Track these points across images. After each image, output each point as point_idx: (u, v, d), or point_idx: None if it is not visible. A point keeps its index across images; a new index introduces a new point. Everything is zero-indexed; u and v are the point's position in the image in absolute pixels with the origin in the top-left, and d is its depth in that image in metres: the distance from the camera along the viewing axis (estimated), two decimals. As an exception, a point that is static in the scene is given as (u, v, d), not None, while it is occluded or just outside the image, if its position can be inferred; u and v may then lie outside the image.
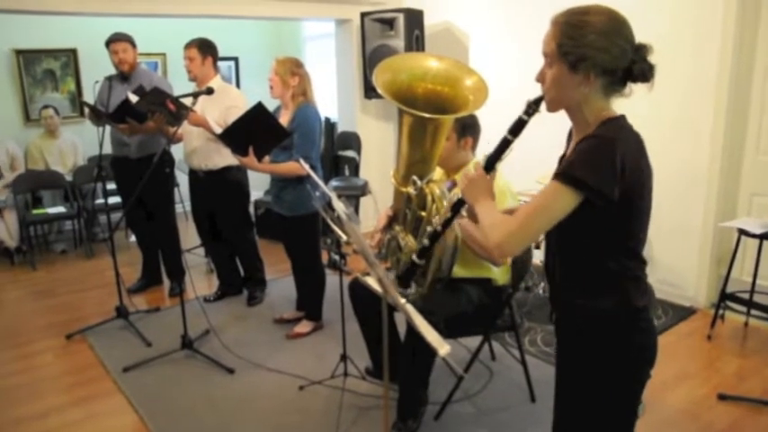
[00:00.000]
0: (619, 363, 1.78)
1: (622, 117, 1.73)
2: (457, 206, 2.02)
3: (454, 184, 3.07)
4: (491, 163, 1.87)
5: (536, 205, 1.67)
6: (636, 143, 1.69)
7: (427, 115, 2.21)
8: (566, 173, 1.62)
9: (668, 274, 4.74)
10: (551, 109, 1.76)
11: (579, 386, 1.88)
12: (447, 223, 2.06)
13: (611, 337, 1.77)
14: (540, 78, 1.76)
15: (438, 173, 3.04)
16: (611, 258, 1.73)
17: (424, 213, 2.44)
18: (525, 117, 1.77)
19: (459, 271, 3.05)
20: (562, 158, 1.86)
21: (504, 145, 1.83)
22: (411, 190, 2.44)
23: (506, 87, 4.26)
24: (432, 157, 2.42)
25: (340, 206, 2.17)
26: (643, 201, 1.72)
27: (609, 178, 1.59)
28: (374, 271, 2.07)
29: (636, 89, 1.71)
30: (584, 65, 1.64)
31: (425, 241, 2.08)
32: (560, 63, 1.68)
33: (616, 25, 1.64)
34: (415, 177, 2.41)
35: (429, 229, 2.09)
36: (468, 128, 3.04)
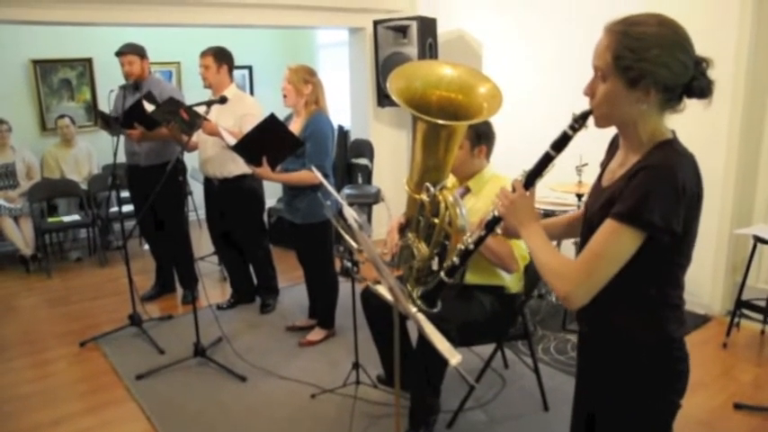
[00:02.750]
0: (649, 391, 1.70)
1: (676, 139, 1.63)
2: (492, 224, 1.91)
3: (467, 191, 3.07)
4: (531, 180, 1.77)
5: (600, 250, 1.56)
6: (693, 167, 1.58)
7: (441, 122, 2.19)
8: (630, 214, 1.51)
9: (690, 283, 4.68)
10: (601, 125, 1.65)
11: (604, 411, 1.79)
12: (480, 242, 1.96)
13: (642, 365, 1.69)
14: (590, 92, 1.64)
15: (451, 180, 3.02)
16: (653, 285, 1.65)
17: (437, 220, 2.42)
18: (570, 132, 1.66)
19: (471, 278, 3.03)
20: (605, 166, 1.78)
21: (546, 160, 1.73)
22: (424, 197, 2.43)
23: (520, 95, 4.25)
24: (445, 165, 2.41)
25: (351, 214, 2.16)
26: (694, 229, 1.62)
27: (675, 213, 1.50)
28: (385, 280, 2.06)
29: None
30: (644, 81, 1.53)
31: (455, 260, 2.03)
32: (617, 78, 1.55)
33: (679, 39, 1.53)
34: (428, 184, 2.39)
35: (460, 247, 2.03)
36: (483, 136, 3.03)
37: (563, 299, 1.61)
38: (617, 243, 1.54)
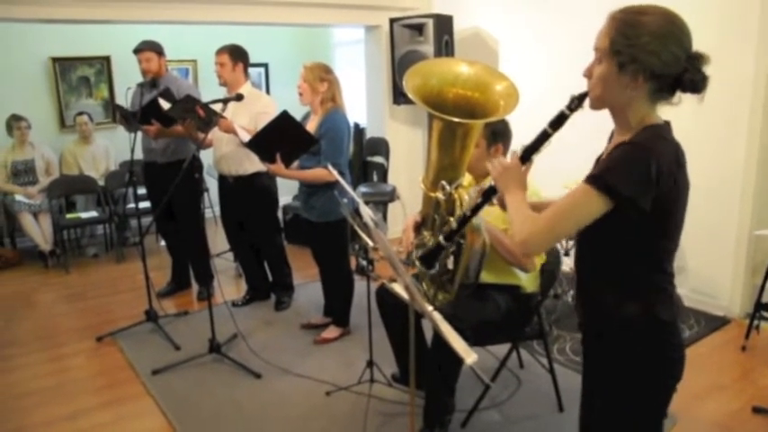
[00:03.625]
0: (642, 374, 1.74)
1: (664, 125, 1.68)
2: (488, 193, 1.98)
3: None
4: (528, 154, 1.83)
5: (564, 206, 1.63)
6: (674, 154, 1.63)
7: (457, 120, 2.18)
8: (598, 178, 1.58)
9: (701, 282, 4.64)
10: (595, 106, 1.72)
11: (602, 396, 1.84)
12: (476, 209, 2.03)
13: (634, 347, 1.73)
14: (588, 74, 1.71)
15: (467, 179, 3.00)
16: (637, 266, 1.70)
17: (452, 219, 2.41)
18: (567, 111, 1.73)
19: (486, 277, 3.01)
20: (599, 159, 1.82)
21: (543, 137, 1.79)
22: (440, 195, 2.42)
23: (536, 93, 4.21)
24: (461, 163, 2.40)
25: (367, 212, 2.16)
26: (675, 214, 1.68)
27: (641, 188, 1.55)
28: (401, 278, 2.05)
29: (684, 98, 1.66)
30: (632, 66, 1.60)
31: (453, 224, 2.05)
32: (610, 61, 1.63)
33: (672, 29, 1.59)
34: (444, 182, 2.39)
35: (459, 214, 2.07)
36: (499, 134, 3.00)
37: (519, 244, 1.68)
38: (580, 203, 1.61)
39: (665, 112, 1.71)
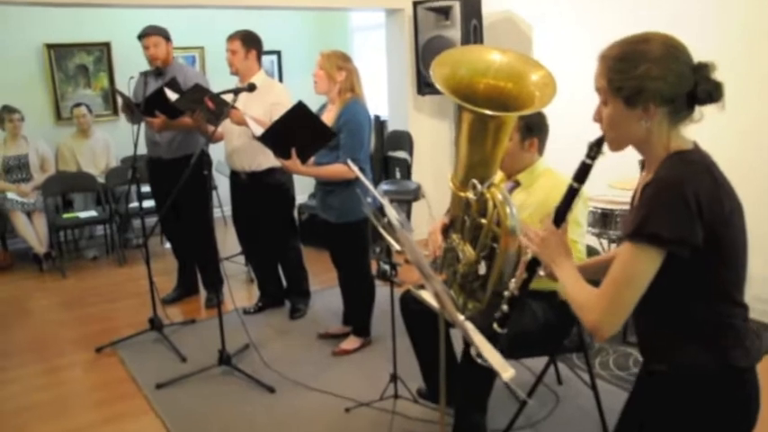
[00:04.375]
0: (708, 427, 1.71)
1: (691, 150, 1.68)
2: (532, 266, 2.00)
3: (516, 186, 3.05)
4: (561, 216, 1.88)
5: (619, 276, 1.63)
6: (707, 176, 1.62)
7: (489, 112, 2.19)
8: (638, 232, 1.59)
9: (764, 289, 4.57)
10: (614, 148, 1.76)
11: None
12: (525, 285, 2.04)
13: (702, 397, 1.69)
14: (597, 117, 1.76)
15: (498, 175, 3.00)
16: (700, 303, 1.67)
17: (484, 220, 2.41)
18: (588, 161, 1.79)
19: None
20: (634, 195, 1.83)
21: (572, 194, 1.85)
22: (470, 195, 2.42)
23: (575, 83, 4.17)
24: (493, 160, 2.40)
25: (393, 213, 2.16)
26: (731, 237, 1.65)
27: (686, 225, 1.55)
28: (430, 284, 2.05)
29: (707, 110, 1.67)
30: (641, 97, 1.62)
31: (505, 308, 2.07)
32: (614, 100, 1.67)
33: (669, 50, 1.62)
34: (474, 181, 2.39)
35: (506, 294, 2.08)
36: (535, 127, 2.99)
37: (591, 330, 1.69)
38: (633, 265, 1.61)
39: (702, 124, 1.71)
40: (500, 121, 2.26)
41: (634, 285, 1.61)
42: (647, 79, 1.60)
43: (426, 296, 2.47)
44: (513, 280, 2.09)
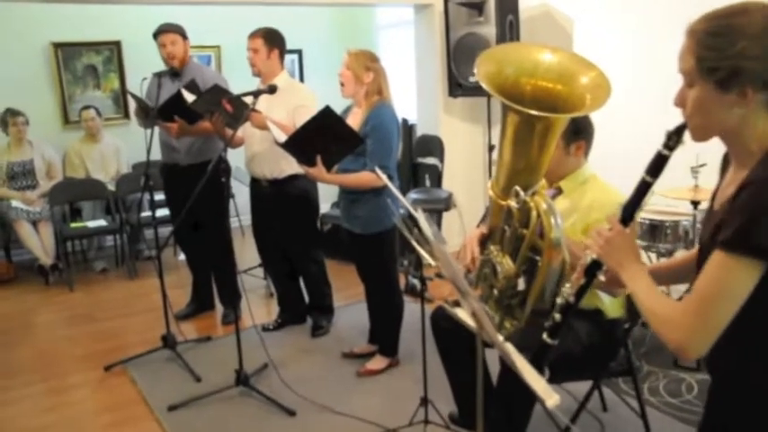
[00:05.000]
0: None
1: None
2: (591, 270, 1.92)
3: (558, 193, 3.03)
4: (629, 213, 1.78)
5: (708, 291, 1.52)
6: None
7: (537, 113, 2.17)
8: (738, 242, 1.47)
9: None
10: (698, 138, 1.63)
11: None
12: (582, 292, 1.98)
13: None
14: (680, 102, 1.63)
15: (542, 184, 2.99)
16: None
17: (525, 231, 2.40)
18: (666, 152, 1.67)
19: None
20: (714, 195, 1.74)
21: (644, 189, 1.74)
22: (512, 203, 2.41)
23: (621, 83, 4.16)
24: (539, 166, 2.39)
25: (426, 224, 2.15)
26: None
27: None
28: (467, 301, 2.03)
29: None
30: (737, 80, 1.50)
31: (557, 316, 2.03)
32: (703, 82, 1.55)
33: None
34: (517, 188, 2.38)
35: (559, 301, 2.04)
36: (582, 130, 2.99)
37: (676, 350, 1.59)
38: (728, 278, 1.49)
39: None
40: (548, 124, 2.25)
41: (728, 302, 1.50)
42: (745, 59, 1.48)
43: (462, 314, 2.45)
44: (567, 285, 2.03)
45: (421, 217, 2.28)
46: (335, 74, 4.08)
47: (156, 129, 4.86)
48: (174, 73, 4.89)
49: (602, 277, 1.92)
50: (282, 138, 3.96)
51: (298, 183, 4.62)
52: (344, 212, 4.22)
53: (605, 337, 3.11)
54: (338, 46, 7.48)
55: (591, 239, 1.85)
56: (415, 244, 2.80)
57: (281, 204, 4.68)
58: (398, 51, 7.84)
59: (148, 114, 4.76)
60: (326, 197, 6.52)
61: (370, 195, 4.00)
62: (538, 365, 2.13)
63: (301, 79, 8.35)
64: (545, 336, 2.10)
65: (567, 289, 2.00)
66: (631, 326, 3.21)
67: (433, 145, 6.74)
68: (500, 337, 2.03)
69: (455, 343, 3.26)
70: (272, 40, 4.56)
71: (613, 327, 3.12)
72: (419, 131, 7.07)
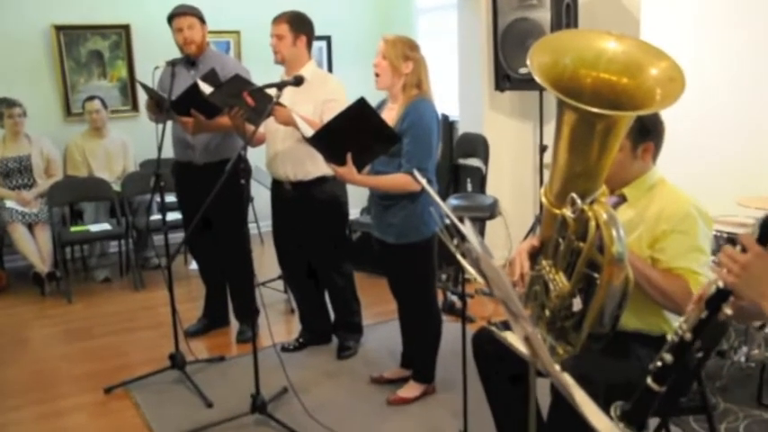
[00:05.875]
0: None
1: None
2: (716, 301, 1.87)
3: (621, 201, 3.00)
4: None
5: None
6: None
7: (598, 110, 2.15)
8: None
9: None
10: None
11: None
12: (701, 328, 1.93)
13: None
14: None
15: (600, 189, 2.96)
16: None
17: (583, 244, 2.38)
18: None
19: (627, 322, 2.93)
20: None
21: None
22: (568, 213, 2.40)
23: (697, 76, 4.11)
24: (599, 170, 2.38)
25: (472, 235, 2.14)
26: None
27: None
28: (519, 325, 2.02)
29: None
30: None
31: (668, 357, 1.98)
32: None
33: None
34: (574, 195, 2.36)
35: (672, 338, 1.99)
36: (650, 128, 2.94)
37: None
38: None
39: None
40: (611, 123, 2.23)
41: None
42: None
43: (512, 339, 2.43)
44: (682, 319, 1.97)
45: (468, 227, 2.26)
46: (369, 64, 4.08)
47: (169, 123, 4.91)
48: (191, 61, 4.93)
49: (727, 310, 1.86)
50: (310, 132, 3.97)
51: (325, 186, 4.63)
52: (376, 220, 4.22)
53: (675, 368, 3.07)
54: (372, 32, 7.55)
55: (721, 264, 1.78)
56: (460, 258, 2.79)
57: (305, 209, 4.69)
58: (439, 38, 7.84)
59: (161, 108, 4.76)
60: (356, 202, 6.51)
61: (406, 201, 3.99)
62: (640, 418, 2.09)
63: (330, 69, 8.39)
64: (650, 381, 2.06)
65: (683, 324, 1.95)
66: (706, 356, 3.16)
67: (477, 145, 6.73)
68: (557, 367, 2.01)
69: (501, 370, 3.22)
70: (299, 25, 4.57)
71: (685, 356, 3.08)
72: (461, 129, 7.08)
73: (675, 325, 2.93)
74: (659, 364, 2.00)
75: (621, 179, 2.98)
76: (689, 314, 1.93)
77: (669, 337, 1.99)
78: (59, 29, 7.24)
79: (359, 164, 3.83)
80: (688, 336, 1.92)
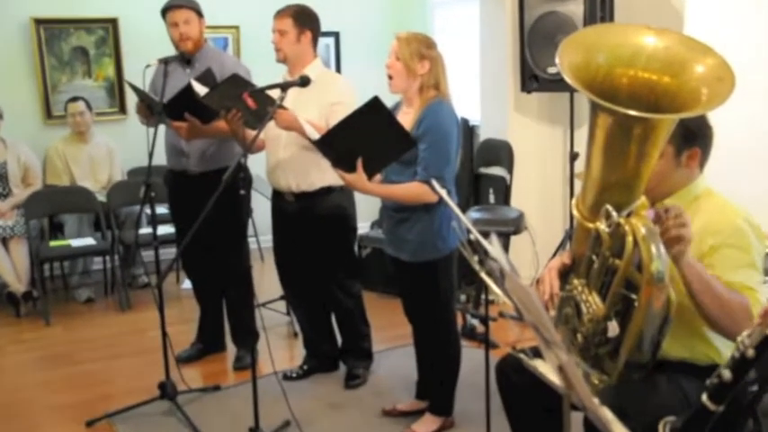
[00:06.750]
0: None
1: None
2: None
3: (663, 214, 2.98)
4: None
5: None
6: None
7: (636, 113, 2.16)
8: None
9: None
10: None
11: None
12: (766, 345, 1.94)
13: None
14: None
15: (639, 201, 2.95)
16: None
17: (619, 262, 2.38)
18: None
19: (670, 350, 2.92)
20: None
21: None
22: (602, 227, 2.40)
23: (746, 75, 4.11)
24: (637, 180, 2.38)
25: (500, 252, 2.13)
26: None
27: None
28: (552, 352, 2.01)
29: None
30: None
31: (726, 374, 1.97)
32: None
33: None
34: (608, 207, 2.36)
35: (734, 355, 1.99)
36: (697, 134, 2.91)
37: None
38: None
39: None
40: (650, 127, 2.23)
41: None
42: None
43: (543, 368, 2.43)
44: (745, 333, 1.97)
45: (495, 243, 2.26)
46: (381, 63, 4.09)
47: (162, 127, 4.91)
48: (186, 59, 4.95)
49: None
50: (316, 135, 3.98)
51: (330, 197, 4.65)
52: (389, 235, 4.23)
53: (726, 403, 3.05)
54: (385, 28, 7.58)
55: None
56: (486, 278, 2.78)
57: (309, 223, 4.69)
58: (458, 34, 7.86)
59: (153, 111, 4.77)
60: (365, 215, 6.52)
61: (422, 214, 4.00)
62: None
63: (338, 69, 8.42)
64: (705, 398, 2.06)
65: (746, 338, 1.94)
66: (762, 389, 3.12)
67: (500, 152, 6.73)
68: (595, 400, 2.00)
69: (529, 402, 3.20)
70: (304, 20, 4.59)
71: (738, 389, 3.06)
72: (483, 135, 7.07)
73: (726, 353, 2.95)
74: (716, 380, 2.00)
75: (663, 189, 2.96)
76: (754, 329, 1.93)
77: (734, 354, 1.99)
78: (39, 22, 7.26)
79: (370, 170, 3.83)
80: (750, 352, 1.92)
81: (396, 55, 3.97)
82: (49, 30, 7.34)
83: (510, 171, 6.67)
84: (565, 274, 2.79)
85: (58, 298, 6.99)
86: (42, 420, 4.69)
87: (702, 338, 2.91)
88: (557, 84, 5.81)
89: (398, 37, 4.01)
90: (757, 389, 3.07)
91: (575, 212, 2.57)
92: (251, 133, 4.27)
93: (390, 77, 4.02)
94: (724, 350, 2.95)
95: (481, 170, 6.97)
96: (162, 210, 5.59)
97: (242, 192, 4.01)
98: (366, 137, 3.77)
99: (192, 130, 4.76)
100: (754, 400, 3.07)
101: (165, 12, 4.90)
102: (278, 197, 4.82)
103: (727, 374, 1.96)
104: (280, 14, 4.58)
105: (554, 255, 5.88)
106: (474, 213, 6.07)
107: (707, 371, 2.95)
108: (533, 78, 6.14)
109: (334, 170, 3.97)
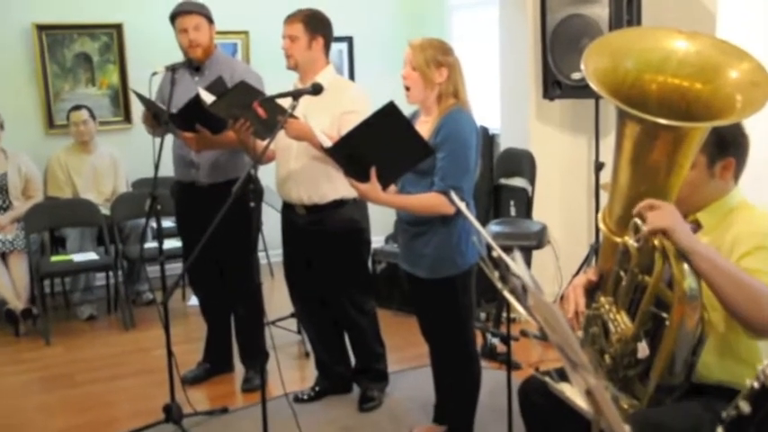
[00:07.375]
0: None
1: None
2: None
3: (696, 229, 2.96)
4: None
5: None
6: None
7: (668, 122, 2.14)
8: None
9: None
10: None
11: None
12: (763, 400, 1.95)
13: None
14: None
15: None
16: None
17: (648, 279, 2.36)
18: None
19: (706, 372, 2.89)
20: None
21: None
22: (630, 241, 2.38)
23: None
24: (667, 191, 2.37)
25: (524, 268, 2.11)
26: None
27: None
28: (579, 375, 1.99)
29: None
30: None
31: (744, 405, 1.96)
32: None
33: None
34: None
35: (752, 384, 1.99)
36: (731, 143, 2.86)
37: None
38: None
39: None
40: (681, 136, 2.23)
41: None
42: None
43: (570, 391, 2.40)
44: (766, 362, 1.96)
45: (518, 259, 2.23)
46: (396, 69, 4.09)
47: (169, 137, 4.91)
48: (195, 66, 4.96)
49: None
50: (329, 143, 3.97)
51: (343, 210, 4.64)
52: (404, 249, 4.22)
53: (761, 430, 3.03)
54: (399, 32, 7.59)
55: None
56: (509, 295, 2.75)
57: (320, 237, 4.69)
58: (477, 39, 7.87)
59: (160, 120, 4.77)
60: (380, 228, 6.52)
61: (439, 226, 3.98)
62: None
63: (351, 75, 8.45)
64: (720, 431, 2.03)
65: (766, 368, 1.92)
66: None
67: (522, 162, 6.73)
68: (627, 428, 1.98)
69: (553, 427, 3.18)
70: (315, 25, 4.59)
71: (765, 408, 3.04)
72: (503, 144, 7.08)
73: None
74: (734, 413, 1.97)
75: (695, 202, 2.92)
76: None
77: (751, 383, 1.95)
78: (42, 28, 7.30)
79: (384, 180, 3.81)
80: None
81: (411, 64, 3.95)
82: (52, 36, 7.37)
83: (532, 182, 6.66)
84: (591, 292, 2.78)
85: (58, 316, 7.00)
86: (43, 444, 4.69)
87: (740, 359, 2.86)
88: (581, 90, 5.78)
89: (411, 44, 3.99)
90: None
91: (601, 226, 2.56)
92: (260, 143, 4.26)
93: (407, 88, 4.00)
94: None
95: (501, 181, 6.97)
96: (168, 223, 5.59)
97: (252, 204, 4.00)
98: (380, 144, 3.75)
99: (202, 141, 4.77)
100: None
101: (173, 17, 4.90)
102: (288, 210, 4.82)
103: (745, 407, 1.92)
104: (290, 19, 4.59)
105: (578, 271, 5.86)
106: (494, 227, 6.05)
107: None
108: (556, 85, 6.12)
109: (347, 180, 3.96)
